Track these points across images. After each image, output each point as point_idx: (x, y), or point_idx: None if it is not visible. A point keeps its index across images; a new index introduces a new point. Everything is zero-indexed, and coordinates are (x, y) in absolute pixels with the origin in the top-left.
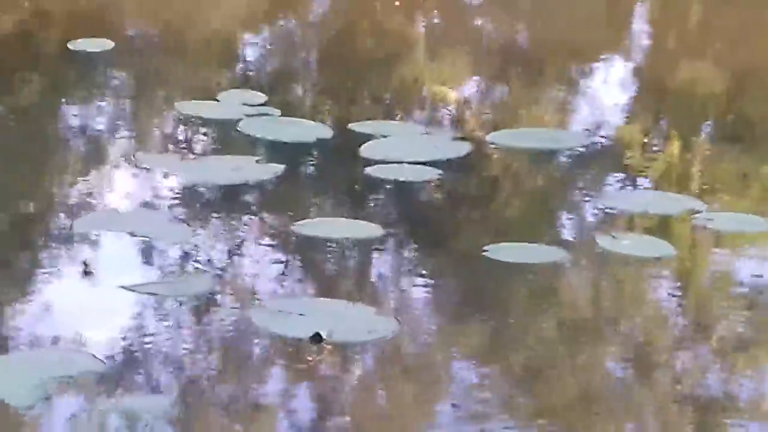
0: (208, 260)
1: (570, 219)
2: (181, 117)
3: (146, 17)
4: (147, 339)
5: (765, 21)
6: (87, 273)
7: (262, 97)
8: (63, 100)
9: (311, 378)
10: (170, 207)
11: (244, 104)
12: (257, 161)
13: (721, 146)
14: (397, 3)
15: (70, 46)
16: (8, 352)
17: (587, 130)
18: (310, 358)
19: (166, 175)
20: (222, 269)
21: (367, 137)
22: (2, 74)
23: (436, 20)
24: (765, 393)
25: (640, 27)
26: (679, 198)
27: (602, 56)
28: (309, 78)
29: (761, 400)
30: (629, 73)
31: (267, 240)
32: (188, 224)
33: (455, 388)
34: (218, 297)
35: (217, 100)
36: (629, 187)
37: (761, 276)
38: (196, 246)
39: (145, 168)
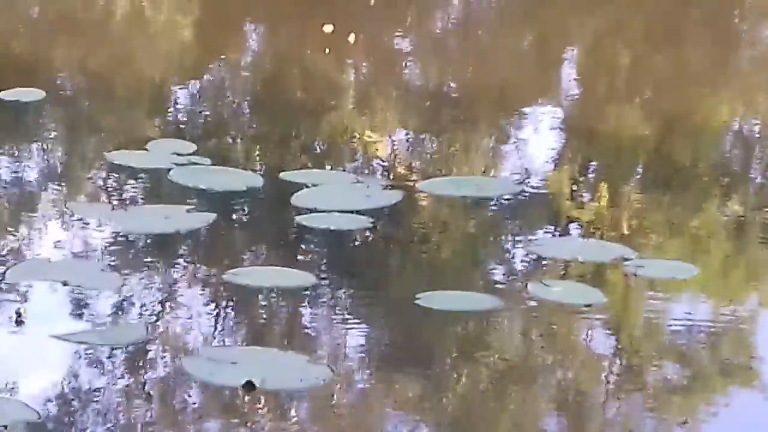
0: (141, 309)
1: (502, 266)
2: (111, 166)
3: (77, 66)
4: (80, 388)
5: (692, 67)
6: (19, 322)
7: (191, 146)
8: None
9: (244, 426)
10: (102, 256)
11: (174, 153)
12: (188, 210)
13: (650, 193)
14: (327, 51)
15: (1, 95)
16: None
17: (517, 177)
18: (243, 407)
19: (97, 225)
20: (155, 318)
21: (298, 186)
22: None
23: (365, 66)
24: None
25: (568, 72)
26: (610, 245)
27: (531, 102)
28: (239, 126)
29: None
30: (558, 119)
31: (199, 289)
32: (120, 273)
33: None
34: (151, 346)
35: (146, 150)
36: (560, 235)
37: (691, 322)
38: (128, 295)
39: (77, 217)
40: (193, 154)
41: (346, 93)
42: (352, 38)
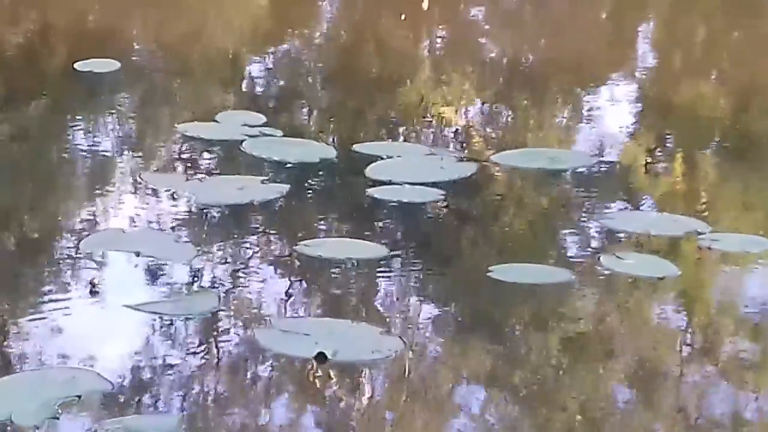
0: (214, 280)
1: (574, 239)
2: (184, 137)
3: (152, 37)
4: (153, 358)
5: None
6: (93, 293)
7: (261, 118)
8: (69, 120)
9: (316, 398)
10: (176, 227)
11: (244, 125)
12: (262, 181)
13: (725, 166)
14: (402, 17)
15: (76, 66)
16: (15, 371)
17: (591, 150)
18: (315, 378)
19: (171, 195)
20: (227, 289)
21: (372, 158)
22: (9, 94)
23: (440, 39)
24: None
25: (644, 45)
26: (683, 219)
27: (606, 75)
28: (311, 98)
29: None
30: (633, 92)
31: (272, 260)
32: (194, 244)
33: (460, 409)
34: (223, 317)
35: (217, 121)
36: (633, 208)
37: (765, 296)
38: (201, 265)
39: (151, 188)
40: (264, 125)
41: (421, 64)
42: (425, 4)
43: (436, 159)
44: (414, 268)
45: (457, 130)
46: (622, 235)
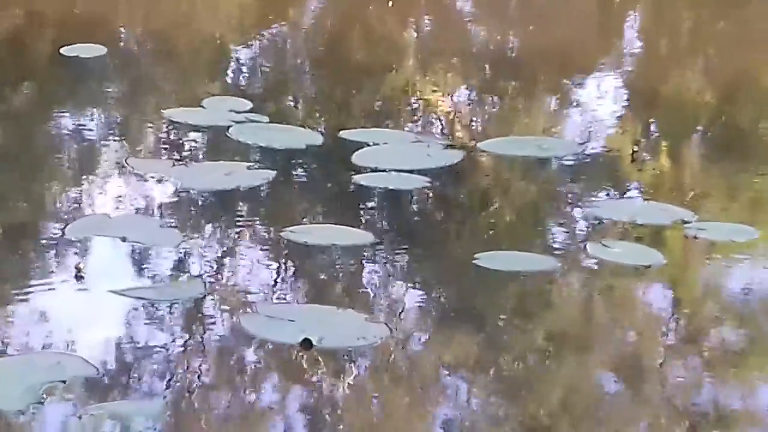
0: (199, 265)
1: (560, 227)
2: (170, 123)
3: (139, 23)
4: (138, 343)
5: (756, 30)
6: (79, 278)
7: (247, 104)
8: (55, 105)
9: (301, 383)
10: (162, 212)
11: (231, 111)
12: (249, 167)
13: (712, 156)
14: (390, 3)
15: (63, 51)
16: (0, 356)
17: (578, 138)
18: (300, 364)
19: (157, 181)
20: (213, 275)
21: (358, 144)
22: None
23: (427, 27)
24: (755, 404)
25: (631, 35)
26: (670, 207)
27: (593, 64)
28: (298, 85)
29: (751, 411)
30: (620, 81)
31: (258, 246)
32: (180, 230)
33: (445, 395)
34: (209, 302)
35: (203, 107)
36: (620, 196)
37: (750, 285)
38: (187, 251)
39: (137, 173)
40: (250, 111)
41: (408, 52)
42: None
43: (423, 146)
44: (400, 255)
45: (443, 117)
46: (608, 223)
